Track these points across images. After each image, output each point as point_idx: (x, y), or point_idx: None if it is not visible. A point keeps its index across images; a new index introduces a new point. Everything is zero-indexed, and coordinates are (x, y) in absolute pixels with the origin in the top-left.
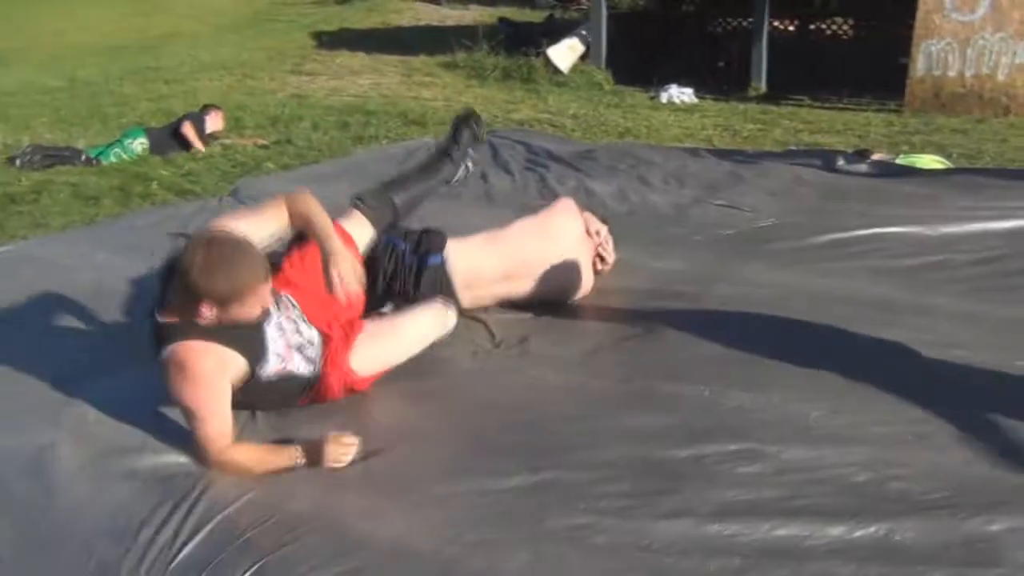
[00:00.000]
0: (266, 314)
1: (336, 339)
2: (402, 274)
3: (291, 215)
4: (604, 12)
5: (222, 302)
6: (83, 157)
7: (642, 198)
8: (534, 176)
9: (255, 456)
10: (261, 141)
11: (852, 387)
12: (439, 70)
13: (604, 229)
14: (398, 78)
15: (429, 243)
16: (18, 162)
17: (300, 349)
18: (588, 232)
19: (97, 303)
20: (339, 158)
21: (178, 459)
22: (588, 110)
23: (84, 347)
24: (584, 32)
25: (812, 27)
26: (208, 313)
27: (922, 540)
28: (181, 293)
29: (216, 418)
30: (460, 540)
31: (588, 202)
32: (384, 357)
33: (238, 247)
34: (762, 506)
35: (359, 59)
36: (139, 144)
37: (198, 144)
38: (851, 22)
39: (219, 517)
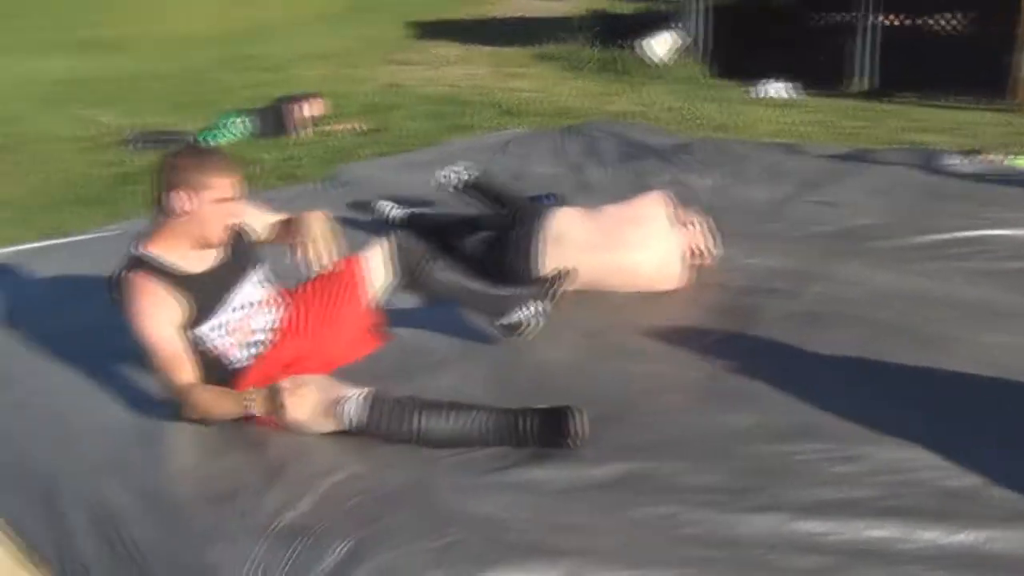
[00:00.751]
0: (222, 241)
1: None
2: (516, 212)
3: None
4: (701, 4)
5: (195, 187)
6: (191, 140)
7: (737, 193)
8: (629, 169)
9: (211, 398)
10: (360, 126)
11: (951, 390)
12: (533, 61)
13: (701, 221)
14: (492, 69)
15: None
16: (131, 145)
17: (251, 343)
18: (683, 223)
19: None
20: (434, 146)
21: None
22: (683, 103)
23: None
24: (681, 24)
25: (920, 22)
26: (180, 202)
27: (1018, 550)
28: (156, 200)
29: (167, 350)
30: (550, 522)
31: (683, 195)
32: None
33: (213, 149)
34: (854, 506)
35: (454, 50)
36: (240, 123)
37: (301, 128)
38: (962, 17)
39: (318, 487)
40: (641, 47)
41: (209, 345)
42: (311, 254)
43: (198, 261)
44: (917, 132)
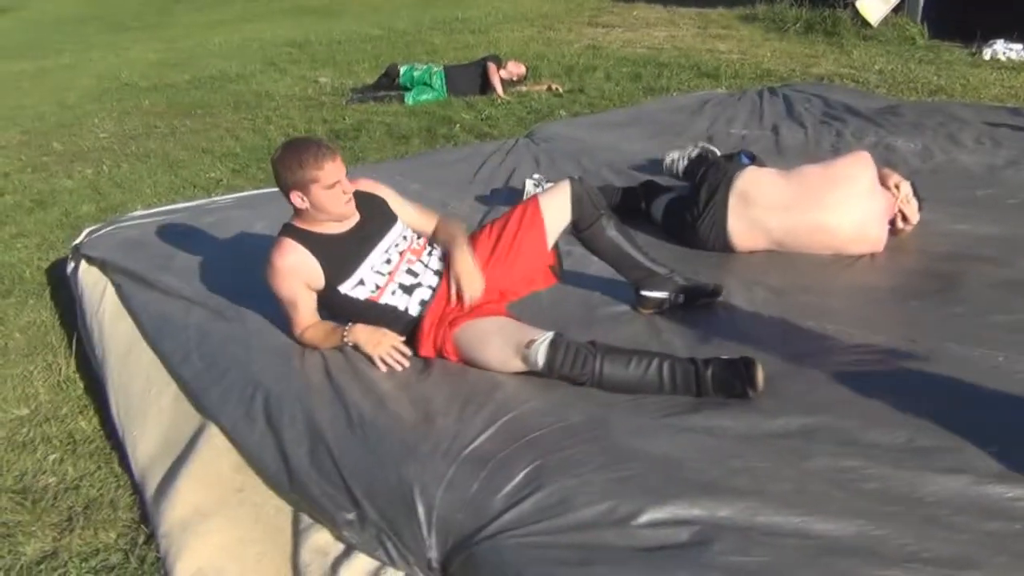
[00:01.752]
0: (351, 211)
1: (455, 305)
2: (710, 167)
3: (439, 228)
4: None
5: (302, 185)
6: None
7: (949, 157)
8: (829, 130)
9: (320, 335)
10: (555, 86)
11: None
12: (736, 23)
13: (906, 185)
14: (694, 30)
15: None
16: (350, 100)
17: (408, 289)
18: (886, 186)
19: None
20: (629, 107)
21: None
22: (897, 66)
23: None
24: None
25: None
26: (299, 201)
27: None
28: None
29: (293, 305)
30: (726, 464)
31: (887, 158)
32: (471, 352)
33: (307, 140)
34: None
35: (655, 11)
36: (433, 75)
37: (499, 88)
38: None
39: (505, 418)
40: (854, 6)
41: (358, 298)
42: (460, 289)
43: (334, 227)
44: None
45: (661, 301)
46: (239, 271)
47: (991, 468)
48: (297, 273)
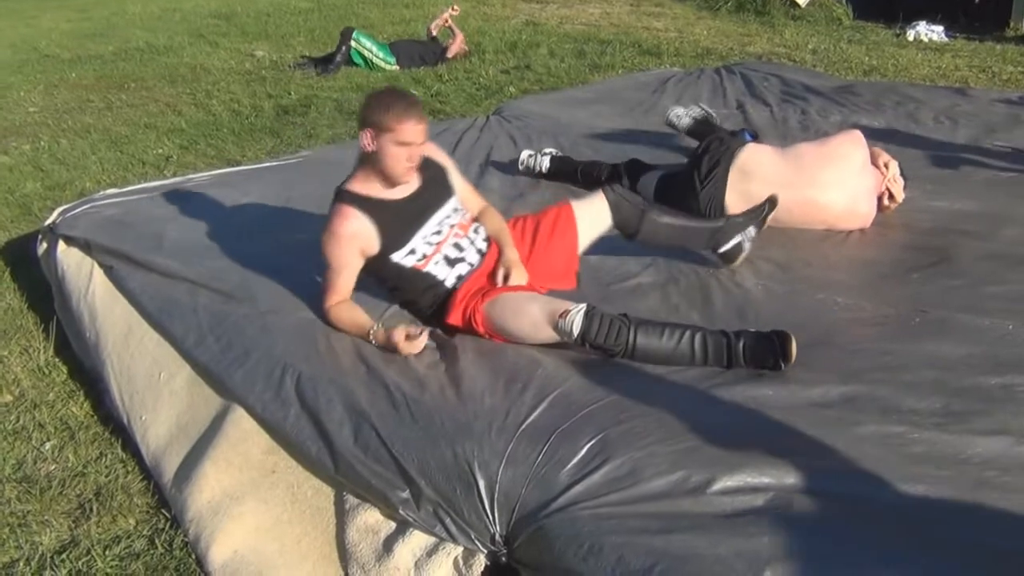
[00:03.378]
0: (406, 179)
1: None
2: (712, 141)
3: (484, 217)
4: None
5: (378, 128)
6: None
7: (913, 136)
8: (793, 108)
9: (348, 318)
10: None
11: None
12: (668, 0)
13: (895, 165)
14: (627, 7)
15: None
16: (297, 69)
17: (451, 262)
18: (876, 165)
19: None
20: (595, 84)
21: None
22: (828, 45)
23: None
24: None
25: None
26: (367, 141)
27: None
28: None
29: (338, 273)
30: (780, 433)
31: None
32: (502, 321)
33: (406, 95)
34: None
35: None
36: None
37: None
38: None
39: (554, 394)
40: None
41: (405, 266)
42: (509, 275)
43: (392, 192)
44: None
45: (739, 246)
46: (235, 251)
47: None
48: (356, 240)
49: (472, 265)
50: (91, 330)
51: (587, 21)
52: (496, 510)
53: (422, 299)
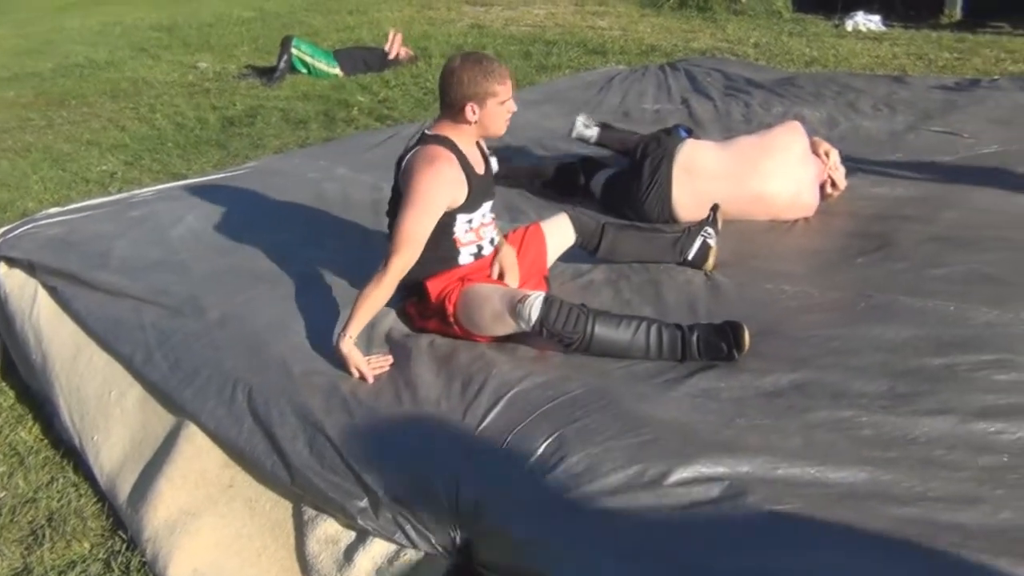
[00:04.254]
0: (507, 124)
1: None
2: (649, 142)
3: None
4: None
5: (481, 97)
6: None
7: (853, 124)
8: (736, 102)
9: (379, 299)
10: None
11: None
12: None
13: (835, 153)
14: (571, 8)
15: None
16: (243, 79)
17: (478, 255)
18: (817, 154)
19: (345, 210)
20: (542, 84)
21: (456, 343)
22: (770, 38)
23: (339, 248)
24: None
25: None
26: (470, 113)
27: None
28: (447, 104)
29: (420, 218)
30: (734, 425)
31: None
32: (468, 308)
33: (488, 55)
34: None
35: None
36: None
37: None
38: None
39: (509, 394)
40: None
41: (455, 233)
42: (503, 271)
43: (476, 163)
44: (1014, 62)
45: (705, 245)
46: (183, 266)
47: (970, 406)
48: (454, 187)
49: (484, 256)
50: (37, 352)
51: (532, 22)
52: (455, 515)
53: (424, 270)
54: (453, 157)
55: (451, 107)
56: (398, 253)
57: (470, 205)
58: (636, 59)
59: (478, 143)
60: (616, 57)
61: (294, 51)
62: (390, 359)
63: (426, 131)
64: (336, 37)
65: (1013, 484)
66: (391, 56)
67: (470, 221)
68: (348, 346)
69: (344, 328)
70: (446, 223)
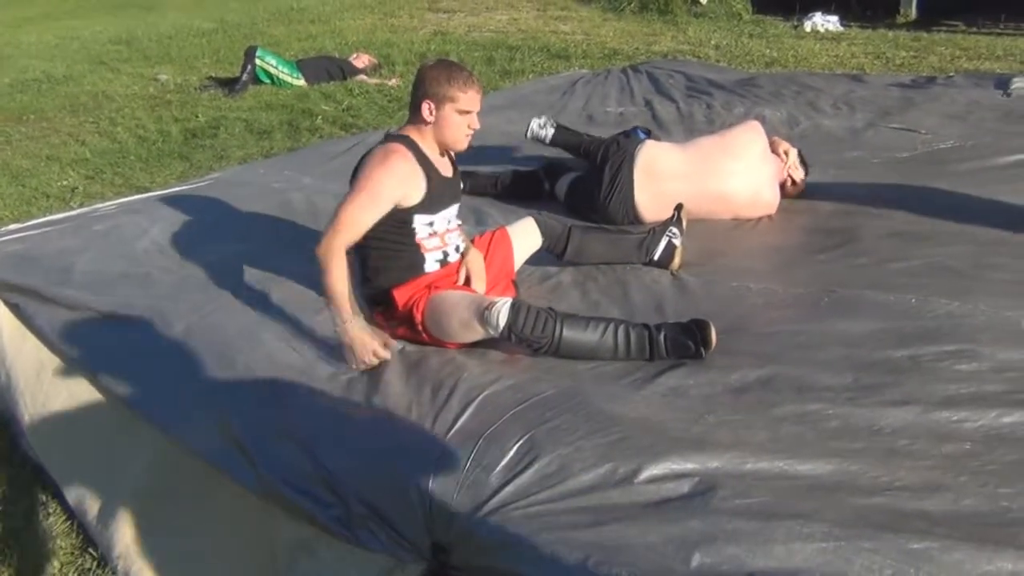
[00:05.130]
0: (464, 146)
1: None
2: (609, 146)
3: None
4: None
5: (439, 99)
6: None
7: (813, 123)
8: (699, 103)
9: (339, 273)
10: (394, 81)
11: None
12: (574, 4)
13: (794, 152)
14: (534, 13)
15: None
16: (204, 91)
17: (444, 262)
18: (776, 153)
19: (312, 219)
20: (505, 89)
21: (426, 348)
22: (730, 40)
23: (306, 257)
24: None
25: None
26: (426, 112)
27: None
28: (411, 105)
29: (366, 207)
30: (703, 421)
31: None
32: (436, 315)
33: (462, 65)
34: (985, 398)
35: None
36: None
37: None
38: None
39: (480, 398)
40: None
41: (418, 238)
42: (470, 277)
43: (440, 166)
44: (969, 60)
45: (670, 245)
46: (147, 278)
47: (933, 396)
48: (406, 182)
49: (450, 263)
50: (1, 371)
51: (495, 28)
52: (429, 519)
53: (391, 278)
54: (410, 154)
55: (413, 105)
56: (332, 235)
57: (430, 206)
58: (599, 63)
59: (449, 158)
60: (579, 61)
61: (258, 61)
62: (393, 342)
63: (389, 131)
64: (298, 47)
65: (975, 471)
66: (359, 66)
67: (431, 224)
68: (353, 329)
69: (337, 318)
70: (403, 221)
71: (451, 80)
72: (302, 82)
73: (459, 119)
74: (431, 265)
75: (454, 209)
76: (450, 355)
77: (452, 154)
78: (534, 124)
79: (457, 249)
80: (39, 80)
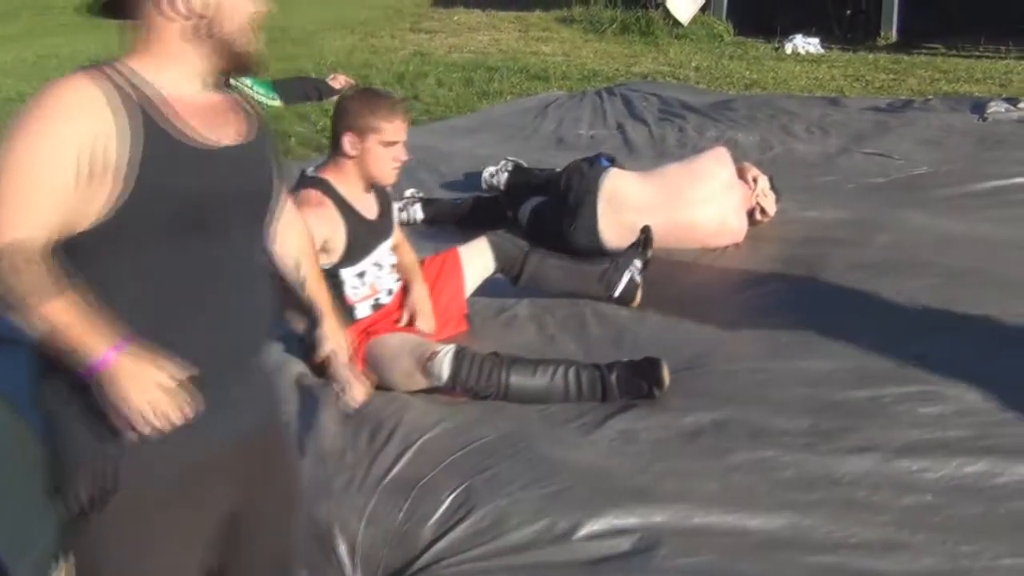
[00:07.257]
0: (391, 180)
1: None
2: (572, 174)
3: (400, 249)
4: None
5: (362, 130)
6: None
7: (786, 147)
8: (672, 126)
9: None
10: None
11: None
12: (556, 25)
13: (764, 180)
14: (515, 34)
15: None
16: None
17: (370, 303)
18: (744, 180)
19: None
20: (478, 112)
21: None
22: (711, 62)
23: None
24: None
25: None
26: (348, 147)
27: None
28: (332, 139)
29: None
30: (651, 469)
31: (730, 152)
32: (376, 365)
33: (386, 92)
34: (948, 445)
35: (475, 16)
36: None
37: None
38: None
39: (419, 442)
40: (665, 7)
41: (345, 293)
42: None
43: (363, 207)
44: (948, 83)
45: (632, 282)
46: None
47: (893, 443)
48: (326, 222)
49: (382, 304)
50: None
51: (476, 49)
52: (358, 572)
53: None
54: (326, 201)
55: (333, 140)
56: None
57: (353, 255)
58: (578, 84)
59: (378, 189)
60: (558, 82)
61: (233, 82)
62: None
63: (305, 171)
64: (277, 67)
65: (935, 527)
66: (336, 87)
67: (361, 275)
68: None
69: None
70: (330, 275)
71: (374, 110)
72: (278, 103)
73: (384, 151)
74: (363, 311)
75: (384, 248)
76: (393, 394)
77: (385, 192)
78: (486, 174)
79: (390, 292)
80: (13, 100)
